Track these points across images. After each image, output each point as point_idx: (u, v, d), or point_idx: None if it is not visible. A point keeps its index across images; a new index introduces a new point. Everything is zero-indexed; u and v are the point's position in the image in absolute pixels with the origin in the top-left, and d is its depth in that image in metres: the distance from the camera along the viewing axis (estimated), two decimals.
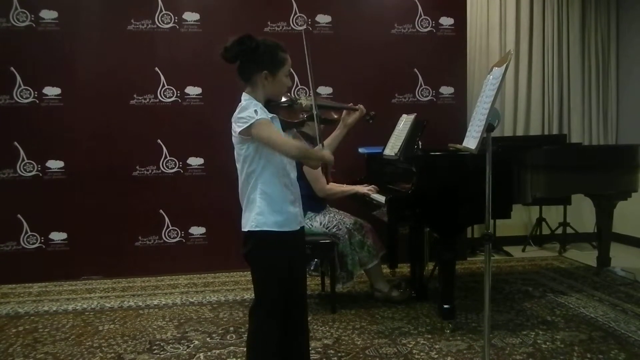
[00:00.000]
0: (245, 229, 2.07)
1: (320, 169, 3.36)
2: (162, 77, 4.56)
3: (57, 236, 4.50)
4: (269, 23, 4.64)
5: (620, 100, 5.84)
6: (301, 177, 3.34)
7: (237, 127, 1.98)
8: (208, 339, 3.13)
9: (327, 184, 3.58)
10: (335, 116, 2.37)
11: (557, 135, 5.53)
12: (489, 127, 2.21)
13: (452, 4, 4.94)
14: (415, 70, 4.91)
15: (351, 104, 2.45)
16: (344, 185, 3.76)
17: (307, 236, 2.37)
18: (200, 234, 4.71)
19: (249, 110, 1.96)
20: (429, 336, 3.10)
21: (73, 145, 4.46)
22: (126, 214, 4.55)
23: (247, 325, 2.26)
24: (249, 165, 2.03)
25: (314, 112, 2.17)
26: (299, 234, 2.14)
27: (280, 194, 2.05)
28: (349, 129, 2.33)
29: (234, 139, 2.05)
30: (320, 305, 3.70)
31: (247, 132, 1.96)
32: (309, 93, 2.19)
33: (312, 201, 3.58)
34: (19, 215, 4.44)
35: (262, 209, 2.03)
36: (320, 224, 3.59)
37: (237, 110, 2.01)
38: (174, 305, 3.80)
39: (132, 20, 4.49)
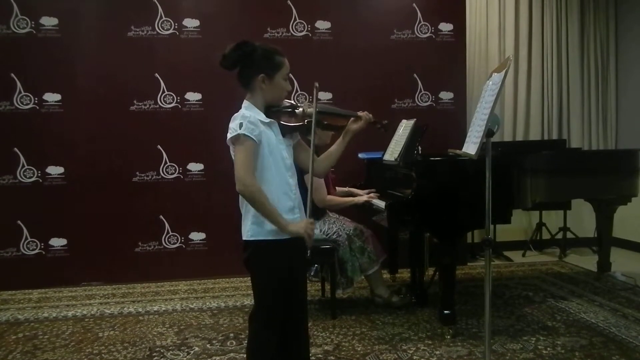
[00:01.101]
0: (243, 238, 2.07)
1: (322, 180, 3.38)
2: (162, 83, 4.57)
3: (57, 242, 4.49)
4: (268, 29, 4.66)
5: (620, 105, 5.85)
6: (302, 184, 3.34)
7: (228, 135, 2.00)
8: (208, 345, 3.12)
9: (328, 193, 3.59)
10: (341, 123, 2.33)
11: (556, 140, 5.53)
12: (488, 133, 2.21)
13: (451, 9, 4.95)
14: (415, 75, 4.92)
15: (359, 112, 2.42)
16: (343, 198, 3.72)
17: None
18: (200, 240, 4.71)
19: (236, 122, 1.98)
20: (430, 342, 3.10)
21: (73, 151, 4.47)
22: (126, 219, 4.55)
23: (247, 331, 2.25)
24: None
25: (314, 121, 2.14)
26: (298, 241, 2.12)
27: (277, 202, 2.03)
28: (353, 136, 2.31)
29: (230, 146, 2.06)
30: (320, 311, 3.70)
31: (232, 142, 1.99)
32: (310, 99, 2.18)
33: (312, 208, 3.57)
34: (19, 222, 4.44)
35: (258, 218, 2.02)
36: (320, 231, 3.59)
37: (232, 119, 2.03)
38: (174, 311, 3.80)
39: (132, 27, 4.50)
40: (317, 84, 2.20)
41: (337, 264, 3.56)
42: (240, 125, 1.96)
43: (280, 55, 2.09)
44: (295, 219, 2.09)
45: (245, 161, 1.96)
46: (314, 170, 2.23)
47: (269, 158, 2.02)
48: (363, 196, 3.66)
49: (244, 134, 1.95)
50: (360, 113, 2.28)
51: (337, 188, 3.84)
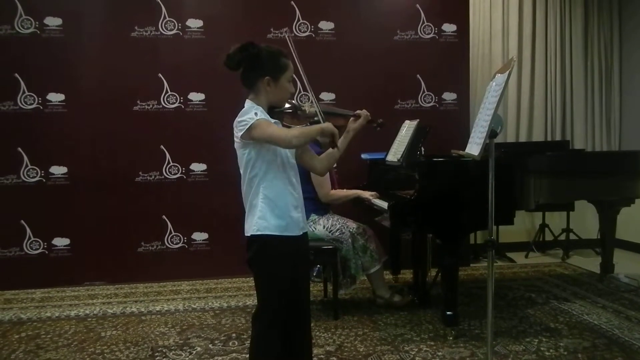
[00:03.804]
0: (248, 234, 2.07)
1: (327, 174, 3.39)
2: (166, 83, 4.57)
3: (60, 242, 4.50)
4: (272, 30, 4.66)
5: (623, 106, 5.84)
6: (306, 180, 3.35)
7: (238, 132, 1.99)
8: (210, 345, 3.12)
9: (332, 189, 3.60)
10: (341, 123, 2.35)
11: (560, 142, 5.53)
12: (491, 134, 2.21)
13: (454, 10, 4.95)
14: (418, 76, 4.92)
15: (357, 111, 2.43)
16: (347, 191, 3.76)
17: (310, 241, 2.36)
18: (203, 240, 4.71)
19: (250, 114, 1.98)
20: (432, 343, 3.09)
21: (76, 151, 4.48)
22: (129, 219, 4.56)
23: (249, 331, 2.26)
24: (251, 170, 2.04)
25: (320, 118, 2.16)
26: (301, 239, 2.13)
27: (283, 198, 2.05)
28: (355, 134, 2.32)
29: (235, 145, 2.06)
30: (322, 312, 3.70)
31: (248, 135, 1.96)
32: (312, 99, 2.18)
33: (317, 204, 3.59)
34: (22, 221, 4.45)
35: (264, 213, 2.03)
36: (324, 227, 3.60)
37: (238, 115, 2.02)
38: (176, 311, 3.80)
39: (136, 27, 4.51)
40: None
41: (340, 263, 3.56)
42: (256, 113, 1.97)
43: (285, 58, 2.10)
44: (299, 218, 2.10)
45: (276, 128, 2.00)
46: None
47: (274, 156, 2.03)
48: (367, 192, 3.67)
49: (264, 118, 1.97)
50: (358, 111, 2.30)
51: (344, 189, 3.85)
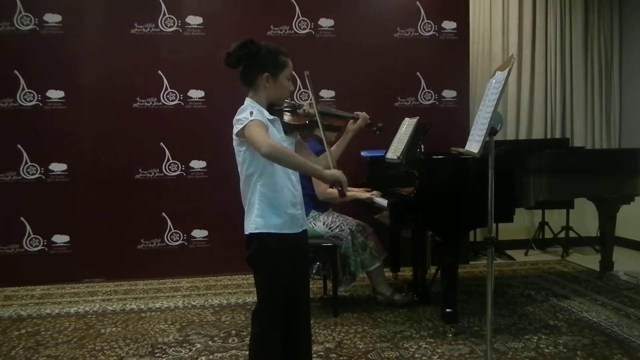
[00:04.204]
0: (247, 232, 2.07)
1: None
2: (165, 81, 4.57)
3: (60, 239, 4.50)
4: (271, 27, 4.65)
5: (623, 104, 5.84)
6: (305, 177, 3.35)
7: (235, 129, 2.00)
8: (210, 342, 3.13)
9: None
10: (340, 124, 2.36)
11: (559, 139, 5.53)
12: (491, 131, 2.21)
13: (454, 8, 4.94)
14: (418, 73, 4.91)
15: (356, 112, 2.42)
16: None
17: (310, 238, 2.36)
18: (203, 237, 4.71)
19: (246, 112, 1.98)
20: (431, 340, 3.10)
21: (76, 148, 4.47)
22: (128, 217, 4.55)
23: (249, 328, 2.26)
24: (248, 168, 2.04)
25: (318, 119, 2.16)
26: (300, 237, 2.13)
27: (281, 195, 2.04)
28: (354, 135, 2.33)
29: (233, 142, 2.06)
30: (322, 309, 3.70)
31: (242, 134, 1.97)
32: (311, 99, 2.18)
33: (317, 200, 3.59)
34: (22, 218, 4.45)
35: (262, 211, 2.03)
36: (324, 224, 3.60)
37: (237, 113, 2.02)
38: (176, 308, 3.81)
39: (136, 24, 4.50)
40: (307, 72, 2.22)
41: (340, 260, 3.56)
42: (251, 113, 1.96)
43: (284, 55, 2.11)
44: (297, 215, 2.10)
45: (261, 131, 1.92)
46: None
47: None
48: (366, 193, 3.67)
49: (257, 120, 1.95)
50: (357, 113, 2.30)
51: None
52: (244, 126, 1.94)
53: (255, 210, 2.04)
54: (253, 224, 2.04)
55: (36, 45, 4.38)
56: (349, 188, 3.75)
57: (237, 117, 2.00)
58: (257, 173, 2.03)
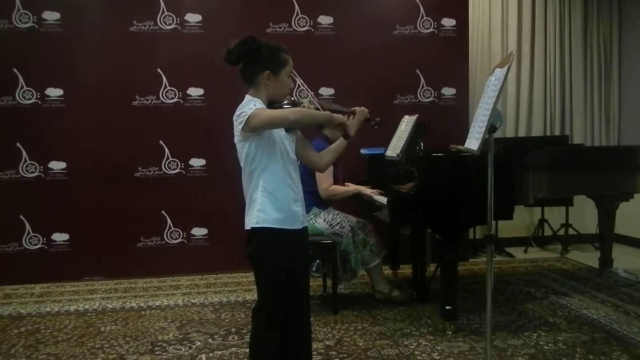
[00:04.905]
0: (248, 227, 2.07)
1: (330, 168, 3.38)
2: (164, 78, 4.56)
3: (59, 237, 4.50)
4: (270, 24, 4.65)
5: (623, 101, 5.84)
6: (308, 173, 3.35)
7: (238, 125, 1.99)
8: (210, 340, 3.13)
9: (337, 184, 3.61)
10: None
11: (559, 136, 5.53)
12: (491, 128, 2.21)
13: (453, 5, 4.94)
14: (417, 71, 4.91)
15: (354, 107, 2.43)
16: (346, 187, 3.76)
17: (310, 235, 2.36)
18: (202, 235, 4.71)
19: (248, 105, 1.98)
20: (431, 337, 3.10)
21: (75, 146, 4.47)
22: (128, 215, 4.55)
23: (249, 326, 2.26)
24: (251, 163, 2.04)
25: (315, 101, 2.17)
26: (301, 234, 2.13)
27: (282, 191, 2.05)
28: (355, 130, 2.33)
29: (235, 138, 2.06)
30: (322, 307, 3.70)
31: (247, 128, 1.96)
32: (310, 95, 2.18)
33: (319, 197, 3.59)
34: (21, 216, 4.45)
35: (264, 206, 2.03)
36: (325, 220, 3.60)
37: (237, 109, 2.02)
38: (175, 306, 3.81)
39: (135, 22, 4.50)
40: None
41: (340, 257, 3.57)
42: (254, 105, 1.98)
43: (285, 52, 2.11)
44: (298, 211, 2.10)
45: (271, 110, 2.01)
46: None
47: (274, 150, 2.03)
48: (369, 190, 3.67)
49: (259, 107, 1.97)
50: (355, 108, 2.30)
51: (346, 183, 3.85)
52: (249, 117, 1.93)
53: (257, 205, 2.04)
54: (254, 218, 2.04)
55: (35, 43, 4.38)
56: (348, 183, 3.78)
57: (238, 112, 2.00)
58: (259, 168, 2.03)
